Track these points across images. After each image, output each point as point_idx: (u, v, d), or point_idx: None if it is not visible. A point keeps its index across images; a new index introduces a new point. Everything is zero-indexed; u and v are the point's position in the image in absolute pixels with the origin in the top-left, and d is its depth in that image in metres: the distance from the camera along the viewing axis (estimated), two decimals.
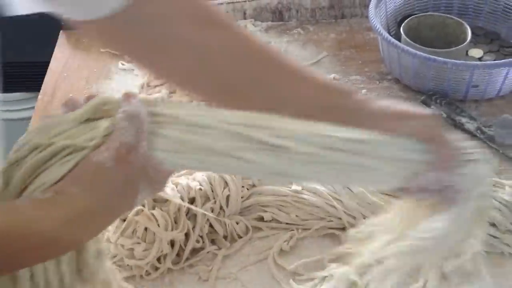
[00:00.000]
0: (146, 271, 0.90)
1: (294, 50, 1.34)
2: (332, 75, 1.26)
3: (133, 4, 0.69)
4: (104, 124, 0.62)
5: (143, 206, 0.91)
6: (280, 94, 0.71)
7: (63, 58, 1.33)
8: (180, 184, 0.96)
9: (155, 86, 1.19)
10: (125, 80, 1.27)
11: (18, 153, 0.61)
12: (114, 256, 0.91)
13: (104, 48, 1.00)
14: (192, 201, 0.94)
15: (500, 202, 0.94)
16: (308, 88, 0.71)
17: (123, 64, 1.30)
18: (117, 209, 0.64)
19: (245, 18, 1.43)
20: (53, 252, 0.61)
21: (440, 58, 1.13)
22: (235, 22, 0.76)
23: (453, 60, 1.12)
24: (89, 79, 1.27)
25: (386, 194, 0.96)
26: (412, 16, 1.27)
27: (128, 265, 0.90)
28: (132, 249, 0.90)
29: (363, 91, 1.22)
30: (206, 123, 0.63)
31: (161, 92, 1.17)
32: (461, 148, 0.68)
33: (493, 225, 0.93)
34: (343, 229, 0.95)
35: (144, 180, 0.62)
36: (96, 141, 0.60)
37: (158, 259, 0.91)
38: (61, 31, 1.40)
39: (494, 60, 1.24)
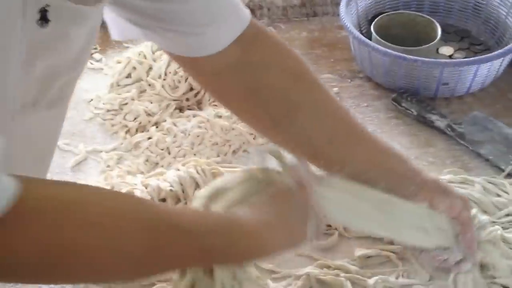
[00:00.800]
0: None
1: None
2: None
3: (236, 47, 0.76)
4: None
5: None
6: (350, 155, 0.79)
7: None
8: (151, 185, 0.95)
9: (125, 86, 1.18)
10: (94, 80, 1.25)
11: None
12: None
13: (203, 85, 0.96)
14: (163, 202, 0.93)
15: (469, 199, 0.94)
16: (371, 150, 0.80)
17: (92, 64, 1.28)
18: (296, 234, 0.69)
19: None
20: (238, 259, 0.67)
21: (410, 56, 1.13)
22: (319, 78, 0.82)
23: (423, 58, 1.13)
24: None
25: None
26: (383, 14, 1.27)
27: None
28: None
29: (335, 89, 1.22)
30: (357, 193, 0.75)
31: (130, 92, 1.16)
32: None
33: None
34: None
35: (313, 218, 0.69)
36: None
37: None
38: None
39: (465, 57, 1.25)
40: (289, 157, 0.72)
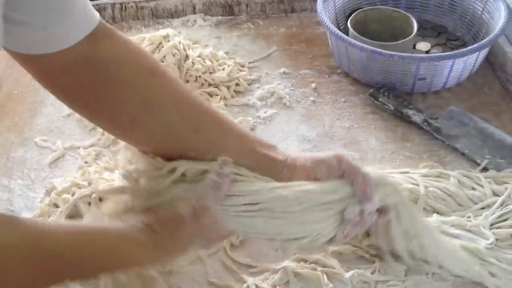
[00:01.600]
0: None
1: (244, 45, 1.34)
2: (282, 70, 1.27)
3: (86, 44, 0.75)
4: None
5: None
6: (216, 143, 0.81)
7: (7, 54, 1.30)
8: None
9: None
10: None
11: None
12: None
13: (46, 86, 0.86)
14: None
15: (444, 192, 0.96)
16: (239, 138, 0.82)
17: None
18: (176, 252, 0.79)
19: (194, 13, 1.42)
20: (123, 267, 0.75)
21: (386, 51, 1.14)
22: (171, 71, 0.85)
23: (399, 53, 1.14)
24: None
25: None
26: (359, 10, 1.27)
27: None
28: None
29: (313, 85, 1.23)
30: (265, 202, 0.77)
31: None
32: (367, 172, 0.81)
33: (436, 214, 0.94)
34: None
35: (203, 238, 0.77)
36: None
37: None
38: None
39: (442, 53, 1.25)
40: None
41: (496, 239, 0.90)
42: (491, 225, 0.92)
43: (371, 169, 0.83)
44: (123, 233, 0.74)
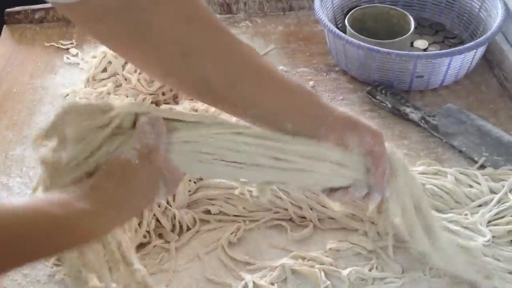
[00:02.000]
0: None
1: None
2: (280, 67, 1.27)
3: None
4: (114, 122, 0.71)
5: None
6: (254, 98, 0.76)
7: (6, 53, 1.31)
8: None
9: (101, 80, 1.18)
10: (70, 75, 1.25)
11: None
12: None
13: (89, 34, 0.86)
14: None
15: (442, 190, 0.96)
16: (280, 92, 0.77)
17: (68, 58, 1.28)
18: (140, 204, 0.71)
19: None
20: (79, 242, 0.67)
21: (383, 49, 1.14)
22: (221, 22, 0.77)
23: (396, 51, 1.14)
24: (33, 74, 1.25)
25: None
26: (357, 8, 1.28)
27: None
28: None
29: (311, 83, 1.23)
30: (215, 133, 0.73)
31: (106, 86, 1.15)
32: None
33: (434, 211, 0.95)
34: (290, 220, 0.96)
35: (161, 180, 0.70)
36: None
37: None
38: (4, 26, 1.38)
39: (439, 50, 1.26)
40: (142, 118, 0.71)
41: (493, 236, 0.90)
42: (488, 222, 0.92)
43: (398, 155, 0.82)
44: (61, 205, 0.65)
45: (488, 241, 0.89)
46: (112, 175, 0.68)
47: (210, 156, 0.73)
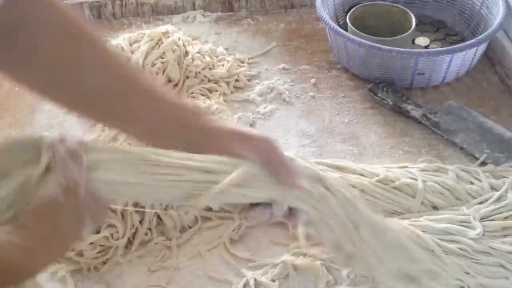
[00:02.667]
0: (94, 266, 0.90)
1: (244, 41, 1.35)
2: (282, 65, 1.27)
3: (5, 9, 0.69)
4: (44, 159, 0.67)
5: None
6: (135, 112, 0.74)
7: None
8: None
9: None
10: None
11: None
12: None
13: None
14: None
15: (442, 187, 0.96)
16: (161, 107, 0.75)
17: None
18: (68, 240, 0.70)
19: (194, 9, 1.42)
20: (10, 280, 0.66)
21: (385, 46, 1.14)
22: (101, 35, 0.77)
23: (397, 48, 1.14)
24: None
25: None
26: (358, 5, 1.28)
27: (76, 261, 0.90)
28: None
29: (312, 80, 1.23)
30: (130, 160, 0.70)
31: None
32: (295, 165, 0.74)
33: (435, 208, 0.95)
34: None
35: (88, 212, 0.68)
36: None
37: (106, 253, 0.90)
38: None
39: (440, 48, 1.26)
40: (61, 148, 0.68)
41: (488, 231, 0.90)
42: (486, 218, 0.92)
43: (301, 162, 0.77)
44: None
45: (478, 234, 0.89)
46: (38, 215, 0.67)
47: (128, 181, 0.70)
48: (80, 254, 0.90)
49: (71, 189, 0.67)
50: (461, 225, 0.90)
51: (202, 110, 0.79)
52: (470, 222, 0.91)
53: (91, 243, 0.89)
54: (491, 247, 0.88)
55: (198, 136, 0.74)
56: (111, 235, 0.91)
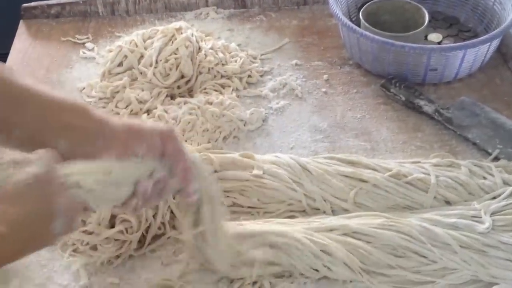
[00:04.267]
0: (108, 260, 0.90)
1: (257, 37, 1.35)
2: (294, 61, 1.27)
3: None
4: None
5: None
6: (13, 118, 0.72)
7: (23, 48, 1.32)
8: None
9: (117, 74, 1.19)
10: (86, 69, 1.27)
11: None
12: (73, 244, 0.91)
13: None
14: None
15: (455, 181, 0.96)
16: (43, 109, 0.73)
17: (84, 53, 1.30)
18: (38, 230, 0.67)
19: (207, 5, 1.43)
20: None
21: (398, 42, 1.14)
22: None
23: (410, 44, 1.14)
24: (50, 68, 1.27)
25: (345, 176, 0.98)
26: (371, 1, 1.28)
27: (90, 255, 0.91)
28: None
29: (325, 76, 1.24)
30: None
31: (122, 80, 1.16)
32: (191, 158, 0.78)
33: (447, 203, 0.95)
34: (304, 211, 0.97)
35: (59, 205, 0.67)
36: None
37: (120, 247, 0.91)
38: (21, 21, 1.39)
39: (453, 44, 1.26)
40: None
41: (499, 225, 0.90)
42: (497, 212, 0.92)
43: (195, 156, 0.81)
44: None
45: (487, 229, 0.89)
46: (7, 196, 0.66)
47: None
48: (94, 248, 0.91)
49: (43, 174, 0.66)
50: (471, 220, 0.90)
51: (88, 107, 0.76)
52: (480, 217, 0.91)
53: (106, 238, 0.90)
54: (500, 241, 0.88)
55: (87, 138, 0.73)
56: (126, 229, 0.91)
